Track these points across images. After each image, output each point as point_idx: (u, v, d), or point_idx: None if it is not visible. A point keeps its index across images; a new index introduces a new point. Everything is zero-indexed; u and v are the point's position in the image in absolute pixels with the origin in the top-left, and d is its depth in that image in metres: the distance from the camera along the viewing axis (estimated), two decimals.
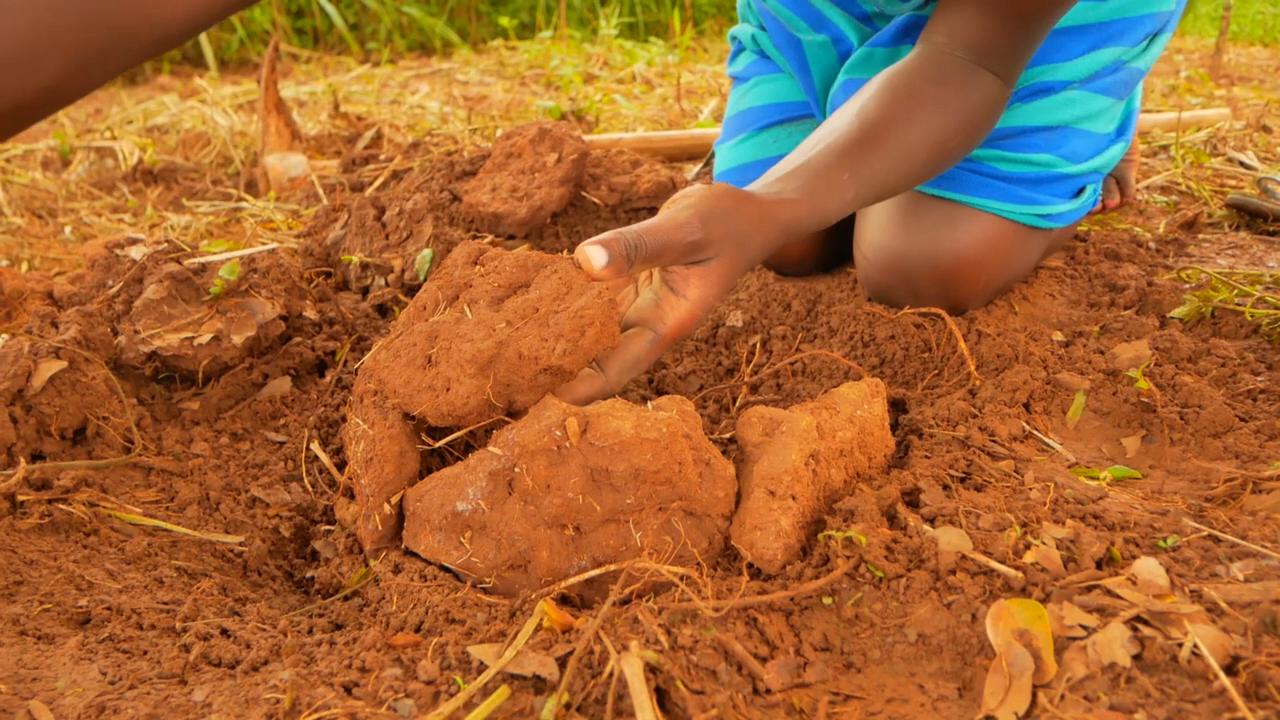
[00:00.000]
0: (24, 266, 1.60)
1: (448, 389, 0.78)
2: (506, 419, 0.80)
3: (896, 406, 1.05)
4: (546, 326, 0.77)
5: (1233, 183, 1.80)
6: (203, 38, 3.47)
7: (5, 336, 1.03)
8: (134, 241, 1.20)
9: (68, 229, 1.80)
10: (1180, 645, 0.63)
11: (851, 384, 0.91)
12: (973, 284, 1.18)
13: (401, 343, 0.84)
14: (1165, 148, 2.02)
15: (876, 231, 1.20)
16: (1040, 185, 1.18)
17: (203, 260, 1.15)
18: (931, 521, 0.77)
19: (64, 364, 0.99)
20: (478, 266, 0.86)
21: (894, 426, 1.01)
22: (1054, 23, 1.02)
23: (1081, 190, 1.24)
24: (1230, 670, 0.62)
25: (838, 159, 0.95)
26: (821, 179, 0.93)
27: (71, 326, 1.04)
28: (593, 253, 0.79)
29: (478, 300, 0.82)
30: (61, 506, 0.87)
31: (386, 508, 0.81)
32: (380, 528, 0.81)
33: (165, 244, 1.18)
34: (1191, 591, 0.69)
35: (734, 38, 1.51)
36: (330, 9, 3.88)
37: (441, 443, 0.84)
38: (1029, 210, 1.17)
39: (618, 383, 0.84)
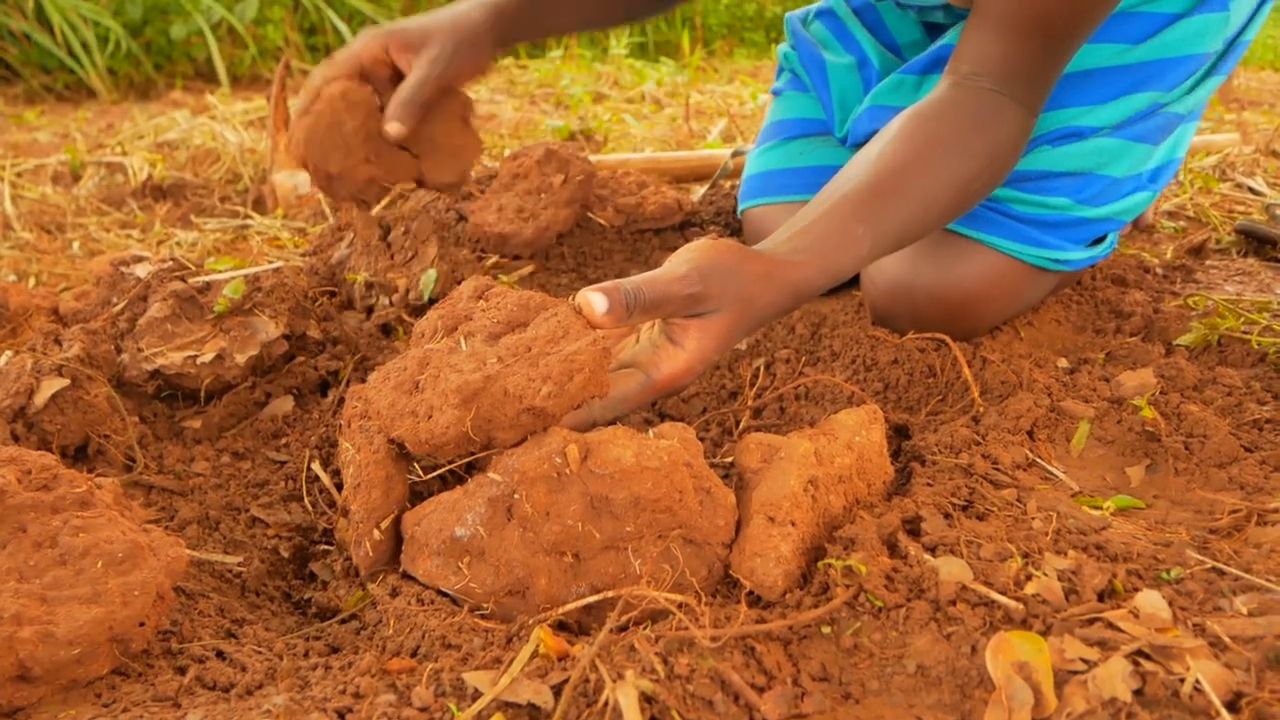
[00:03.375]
0: (31, 282, 1.61)
1: (429, 416, 0.78)
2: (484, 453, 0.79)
3: (899, 432, 1.05)
4: (536, 367, 0.77)
5: (1241, 208, 1.79)
6: (215, 54, 3.50)
7: (9, 354, 1.03)
8: (139, 259, 1.20)
9: (76, 244, 1.81)
10: (1182, 680, 0.62)
11: (849, 410, 0.90)
12: (978, 318, 1.18)
13: (393, 367, 0.84)
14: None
15: (886, 259, 1.20)
16: (1054, 229, 1.17)
17: (207, 279, 1.15)
18: (932, 551, 0.77)
19: (66, 382, 0.99)
20: (481, 301, 0.86)
21: (896, 453, 1.01)
22: (1079, 43, 1.01)
23: (1101, 239, 1.23)
24: (1233, 707, 0.61)
25: (853, 212, 0.93)
26: (835, 234, 0.92)
27: (75, 344, 1.05)
28: (594, 299, 0.79)
29: (475, 334, 0.82)
30: None
31: (376, 534, 0.81)
32: (371, 553, 0.81)
33: (170, 262, 1.19)
34: (1194, 625, 0.68)
35: (779, 55, 1.57)
36: (342, 26, 3.90)
37: (431, 475, 0.84)
38: (1040, 253, 1.17)
39: (601, 418, 0.83)
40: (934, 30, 1.31)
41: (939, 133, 1.00)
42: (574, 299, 0.81)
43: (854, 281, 1.39)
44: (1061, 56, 1.01)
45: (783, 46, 1.54)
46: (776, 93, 1.56)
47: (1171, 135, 1.19)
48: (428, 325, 0.86)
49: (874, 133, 1.20)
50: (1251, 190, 1.90)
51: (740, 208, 1.50)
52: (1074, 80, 1.13)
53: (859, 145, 1.25)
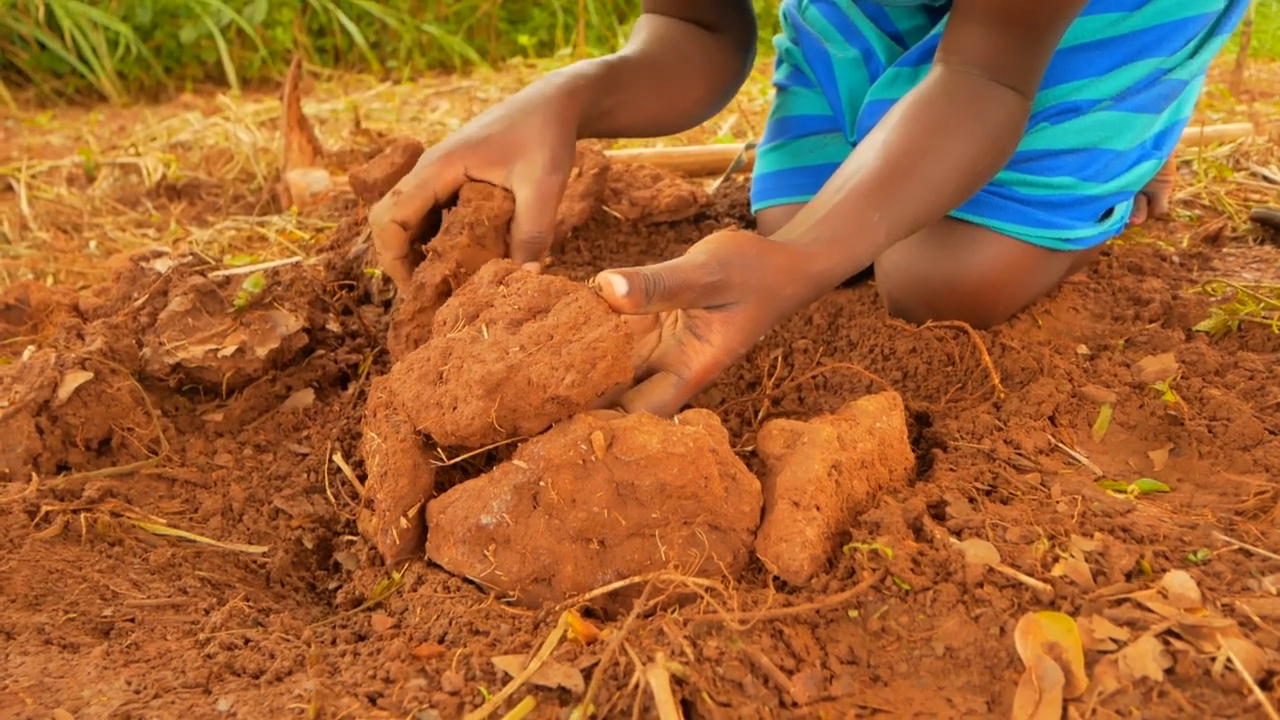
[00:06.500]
0: (49, 281, 1.62)
1: (454, 407, 0.78)
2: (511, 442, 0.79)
3: (920, 420, 1.05)
4: (558, 355, 0.76)
5: (1256, 197, 1.78)
6: (225, 56, 3.51)
7: (32, 348, 1.04)
8: (159, 254, 1.21)
9: (92, 244, 1.82)
10: (1213, 659, 0.62)
11: (869, 396, 0.90)
12: (994, 305, 1.18)
13: (416, 357, 0.84)
14: (1188, 163, 2.01)
15: (898, 252, 1.20)
16: (1061, 208, 1.17)
17: (227, 273, 1.16)
18: (958, 534, 0.77)
19: (90, 375, 0.99)
20: (501, 286, 0.85)
21: (917, 440, 1.01)
22: (1063, 30, 1.01)
23: (1109, 212, 1.23)
24: (1265, 684, 0.61)
25: (866, 200, 0.93)
26: (852, 223, 0.92)
27: (97, 338, 1.05)
28: (615, 281, 0.79)
29: (496, 321, 0.82)
30: (87, 516, 0.88)
31: (403, 522, 0.81)
32: (398, 541, 0.81)
33: (190, 257, 1.19)
34: (1223, 605, 0.68)
35: (778, 46, 1.53)
36: (351, 27, 3.91)
37: (456, 460, 0.84)
38: (1049, 234, 1.16)
39: None
40: (936, 14, 1.30)
41: (939, 116, 1.00)
42: (594, 281, 0.81)
43: (869, 272, 1.39)
44: (1046, 43, 1.01)
45: (780, 38, 1.51)
46: (780, 85, 1.53)
47: (1175, 100, 1.18)
48: (449, 312, 0.86)
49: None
50: (1266, 179, 1.90)
51: (754, 208, 1.49)
52: (1069, 54, 1.12)
53: None
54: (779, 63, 1.54)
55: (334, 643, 0.76)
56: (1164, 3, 1.10)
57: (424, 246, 0.98)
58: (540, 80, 1.04)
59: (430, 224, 1.01)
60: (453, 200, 1.00)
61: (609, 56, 1.12)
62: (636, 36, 1.22)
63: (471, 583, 0.78)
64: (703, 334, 0.84)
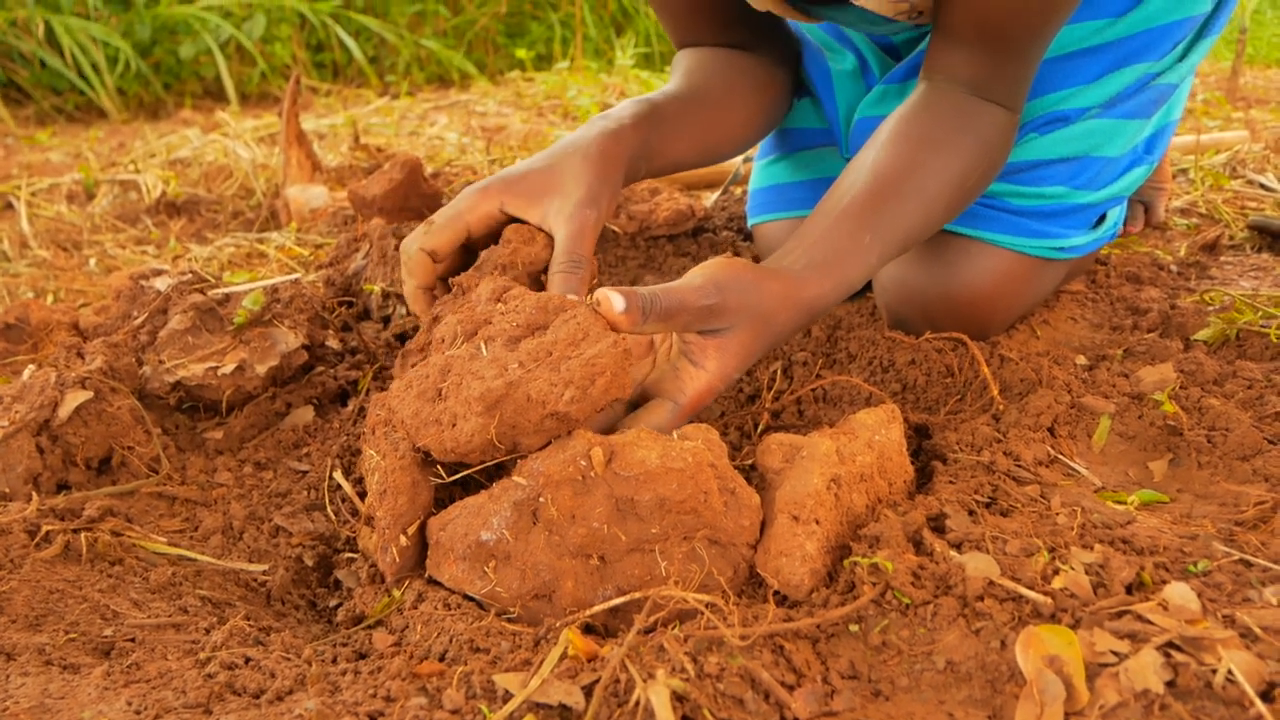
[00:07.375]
0: (49, 299, 1.62)
1: (454, 424, 0.78)
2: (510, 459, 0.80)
3: (919, 432, 1.05)
4: (557, 372, 0.77)
5: (1253, 204, 1.79)
6: (224, 72, 3.52)
7: (32, 367, 1.04)
8: (159, 272, 1.21)
9: (92, 261, 1.82)
10: (1214, 671, 0.62)
11: (868, 410, 0.90)
12: (990, 316, 1.18)
13: (415, 375, 0.84)
14: (1184, 171, 2.02)
15: (895, 266, 1.20)
16: (1054, 218, 1.17)
17: (226, 291, 1.16)
18: (958, 547, 0.77)
19: (90, 394, 1.00)
20: (499, 303, 0.86)
21: (916, 452, 1.01)
22: (1046, 45, 1.01)
23: (1103, 218, 1.23)
24: (1266, 696, 0.61)
25: (859, 220, 0.94)
26: (844, 247, 0.93)
27: (97, 357, 1.05)
28: (613, 297, 0.79)
29: (494, 338, 0.82)
30: (87, 535, 0.88)
31: (403, 539, 0.81)
32: (398, 559, 0.81)
33: (189, 275, 1.19)
34: (1224, 616, 0.68)
35: None
36: (350, 42, 3.92)
37: (455, 477, 0.84)
38: (1043, 244, 1.17)
39: None
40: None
41: (926, 133, 1.00)
42: (592, 297, 0.81)
43: (868, 285, 1.39)
44: (1029, 58, 1.01)
45: None
46: None
47: (1165, 104, 1.18)
48: (447, 330, 0.86)
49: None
50: (1263, 186, 1.90)
51: (750, 222, 1.49)
52: (1056, 63, 1.13)
53: None
54: None
55: (335, 661, 0.75)
56: (1150, 8, 1.10)
57: (450, 280, 0.97)
58: (585, 124, 1.04)
59: (463, 260, 1.01)
60: (489, 238, 0.99)
61: (650, 94, 1.12)
62: (675, 73, 1.22)
63: (472, 600, 0.78)
64: (698, 360, 0.85)
